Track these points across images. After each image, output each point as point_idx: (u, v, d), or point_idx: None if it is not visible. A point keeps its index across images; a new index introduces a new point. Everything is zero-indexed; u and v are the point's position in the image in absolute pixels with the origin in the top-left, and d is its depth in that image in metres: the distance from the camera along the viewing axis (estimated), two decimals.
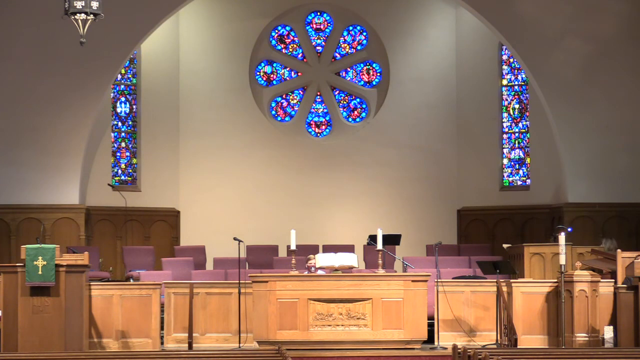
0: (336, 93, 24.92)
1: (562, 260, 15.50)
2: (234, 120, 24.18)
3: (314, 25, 24.92)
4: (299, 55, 24.85)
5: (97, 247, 21.58)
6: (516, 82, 23.91)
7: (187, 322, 15.84)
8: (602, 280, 16.06)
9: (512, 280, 16.56)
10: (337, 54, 24.91)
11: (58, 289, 14.67)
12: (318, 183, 24.20)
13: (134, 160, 23.56)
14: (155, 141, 23.71)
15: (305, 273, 17.09)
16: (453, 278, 17.45)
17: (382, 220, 22.08)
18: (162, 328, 16.11)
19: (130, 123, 23.51)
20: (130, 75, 23.56)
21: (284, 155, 24.25)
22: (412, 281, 15.69)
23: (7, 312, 14.69)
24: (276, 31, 24.79)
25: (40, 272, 14.56)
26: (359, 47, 24.87)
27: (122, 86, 23.39)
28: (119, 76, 23.15)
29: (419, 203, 24.10)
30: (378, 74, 24.78)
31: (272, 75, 24.76)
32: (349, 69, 24.91)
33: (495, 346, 15.64)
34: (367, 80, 24.84)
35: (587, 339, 15.63)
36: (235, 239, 16.63)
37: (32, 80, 21.15)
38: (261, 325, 15.57)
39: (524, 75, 23.55)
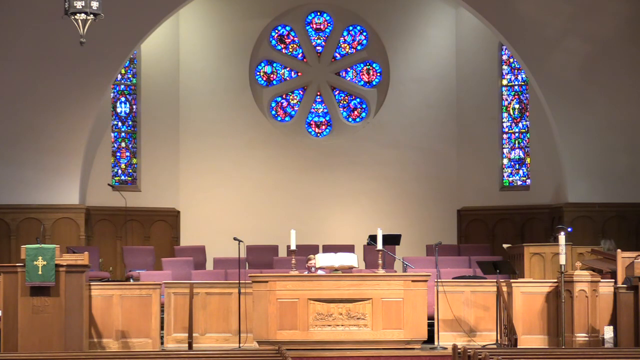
0: (336, 93, 24.91)
1: (562, 260, 15.50)
2: (234, 120, 24.17)
3: (314, 25, 24.91)
4: (299, 55, 24.84)
5: (97, 247, 21.57)
6: (516, 82, 23.91)
7: (187, 322, 15.84)
8: (602, 280, 16.06)
9: (512, 280, 16.56)
10: (337, 54, 24.90)
11: (58, 289, 14.66)
12: (318, 183, 24.19)
13: (134, 160, 23.56)
14: (155, 141, 23.71)
15: (305, 273, 17.08)
16: (453, 278, 17.44)
17: (382, 220, 22.07)
18: (162, 328, 16.11)
19: (130, 123, 23.51)
20: (130, 75, 23.55)
21: (284, 155, 24.24)
22: (412, 281, 15.68)
23: (7, 312, 14.68)
24: (276, 31, 24.79)
25: (40, 272, 14.55)
26: (359, 47, 24.87)
27: (122, 86, 23.39)
28: (119, 76, 23.15)
29: (419, 203, 24.10)
30: (378, 74, 24.77)
31: (272, 75, 24.75)
32: (349, 69, 24.91)
33: (495, 346, 15.63)
34: (367, 80, 24.84)
35: (587, 339, 15.62)
36: (235, 239, 16.62)
37: (32, 80, 21.14)
38: (261, 325, 15.56)
39: (524, 75, 23.54)
